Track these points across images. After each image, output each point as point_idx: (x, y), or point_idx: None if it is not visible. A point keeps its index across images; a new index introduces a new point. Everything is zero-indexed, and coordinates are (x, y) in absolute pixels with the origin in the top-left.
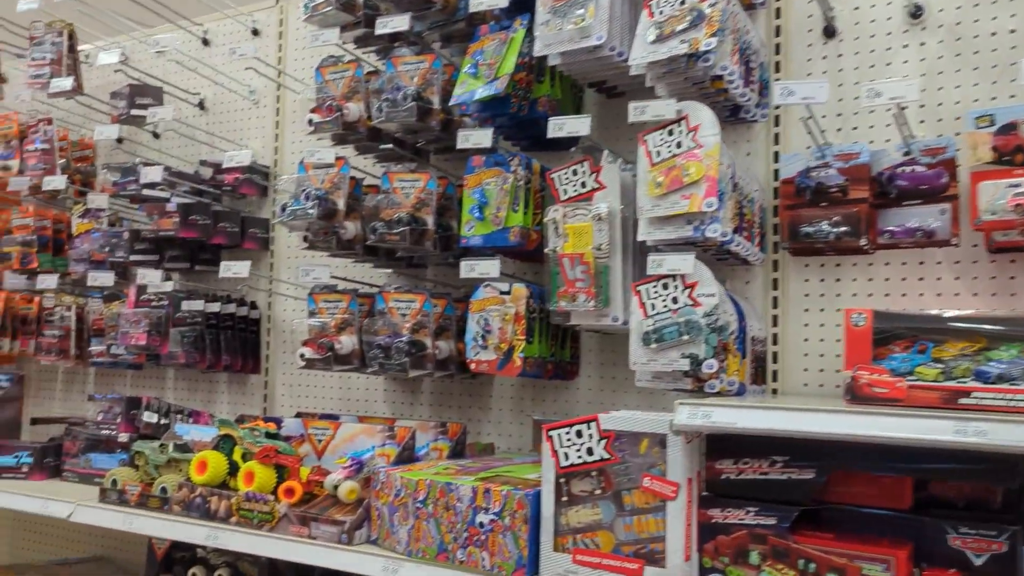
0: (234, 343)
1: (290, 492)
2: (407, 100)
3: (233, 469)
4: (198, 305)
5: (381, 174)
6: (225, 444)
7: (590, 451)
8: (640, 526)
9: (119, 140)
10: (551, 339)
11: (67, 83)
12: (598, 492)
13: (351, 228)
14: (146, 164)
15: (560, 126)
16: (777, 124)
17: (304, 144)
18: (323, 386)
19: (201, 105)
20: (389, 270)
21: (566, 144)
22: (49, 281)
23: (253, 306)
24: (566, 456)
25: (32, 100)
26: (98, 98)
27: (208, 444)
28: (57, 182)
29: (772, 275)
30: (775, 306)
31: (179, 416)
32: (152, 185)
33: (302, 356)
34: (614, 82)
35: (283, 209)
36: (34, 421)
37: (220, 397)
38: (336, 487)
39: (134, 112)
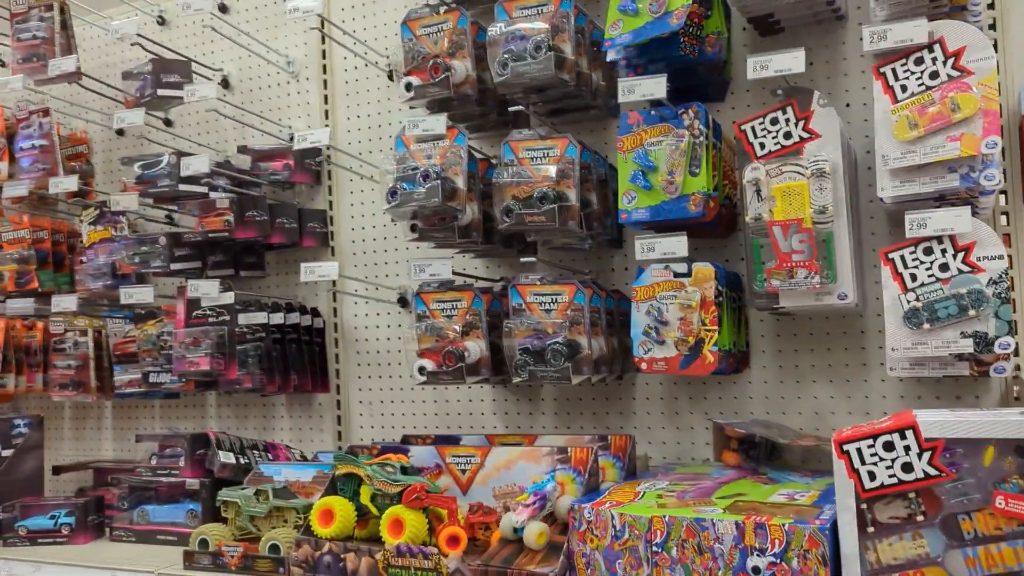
0: (300, 359)
1: (454, 541)
2: (541, 50)
3: (360, 515)
4: (260, 317)
5: (502, 143)
6: (346, 485)
7: (907, 467)
8: (991, 559)
9: (120, 132)
10: (732, 326)
11: (70, 63)
12: (919, 518)
13: (469, 211)
14: (181, 154)
15: (764, 64)
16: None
17: (365, 120)
18: (408, 401)
19: (225, 83)
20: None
21: (718, 95)
22: (66, 303)
23: (315, 314)
24: (871, 476)
25: (23, 88)
26: (107, 81)
27: (311, 486)
28: (67, 184)
29: None
30: None
31: (255, 452)
32: (192, 179)
33: (422, 369)
34: (783, 15)
35: (392, 194)
36: (57, 470)
37: (278, 424)
38: (518, 529)
39: (162, 92)
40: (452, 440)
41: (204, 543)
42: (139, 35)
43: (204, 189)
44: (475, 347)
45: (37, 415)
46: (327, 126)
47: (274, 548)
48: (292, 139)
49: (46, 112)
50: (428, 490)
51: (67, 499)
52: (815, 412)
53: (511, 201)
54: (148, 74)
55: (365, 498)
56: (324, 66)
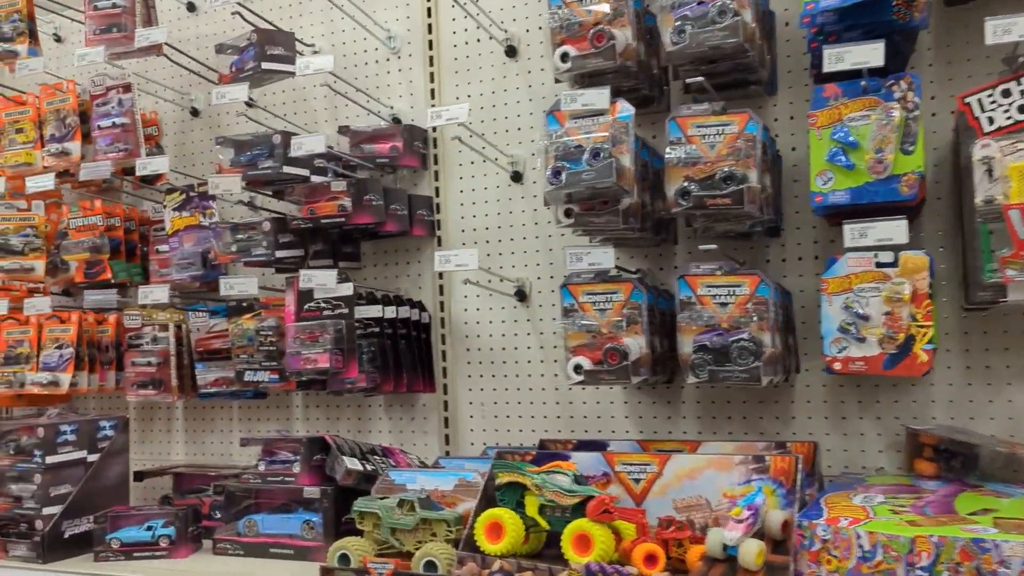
0: (411, 356)
1: (652, 560)
2: (726, 15)
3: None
4: (373, 311)
5: (667, 120)
6: (507, 495)
7: None
8: None
9: (195, 112)
10: None
11: (159, 34)
12: None
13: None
14: (284, 133)
15: (1006, 28)
16: None
17: (476, 100)
18: (525, 403)
19: None
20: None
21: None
22: (156, 294)
23: (420, 308)
24: None
25: (104, 62)
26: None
27: (453, 496)
28: (156, 165)
29: None
30: None
31: (376, 458)
32: (298, 162)
33: (578, 368)
34: None
35: (555, 174)
36: (139, 476)
37: (375, 426)
38: (729, 547)
39: (268, 66)
40: (598, 446)
41: (345, 559)
42: (238, 3)
43: (306, 172)
44: (635, 344)
45: (123, 416)
46: (433, 106)
47: (430, 565)
48: (397, 120)
49: (127, 88)
50: (616, 502)
51: (163, 508)
52: (1009, 417)
53: (686, 182)
54: (251, 46)
55: (532, 510)
56: (430, 42)
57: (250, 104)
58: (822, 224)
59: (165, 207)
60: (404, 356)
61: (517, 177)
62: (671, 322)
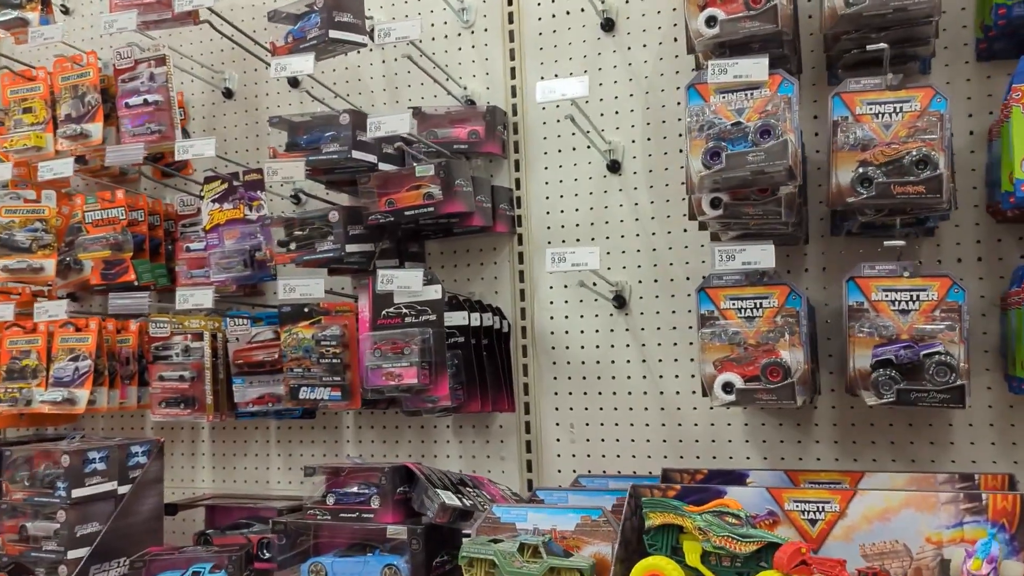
0: (495, 370)
1: None
2: None
3: None
4: (457, 318)
5: (830, 96)
6: (659, 539)
7: None
8: None
9: (228, 94)
10: None
11: None
12: None
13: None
14: (353, 112)
15: None
16: None
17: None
18: (625, 425)
19: (373, 34)
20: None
21: None
22: (197, 298)
23: (500, 315)
24: None
25: (136, 30)
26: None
27: (576, 538)
28: (201, 147)
29: None
30: None
31: (469, 490)
32: (366, 147)
33: (727, 387)
34: None
35: (713, 156)
36: (171, 509)
37: (441, 450)
38: None
39: (337, 35)
40: (735, 477)
41: None
42: None
43: (373, 159)
44: (792, 358)
45: (156, 441)
46: (513, 86)
47: None
48: (471, 101)
49: (160, 61)
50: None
51: (208, 550)
52: None
53: (862, 168)
54: (314, 12)
55: (693, 558)
56: (510, 14)
57: (295, 84)
58: (987, 222)
59: (202, 198)
60: (486, 370)
61: (615, 167)
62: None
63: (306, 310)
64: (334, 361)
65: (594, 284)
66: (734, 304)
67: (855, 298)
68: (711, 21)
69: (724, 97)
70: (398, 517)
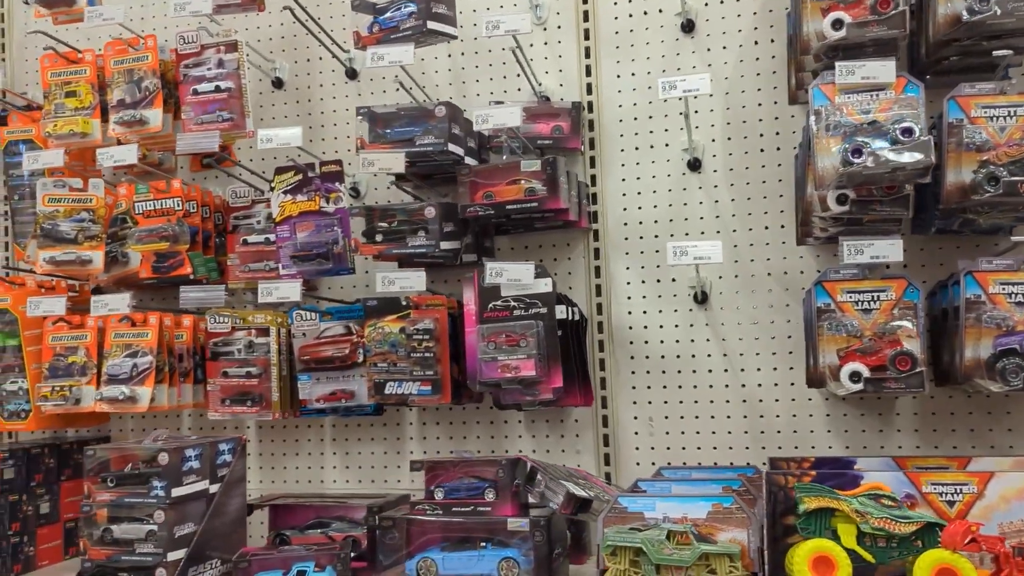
0: (576, 363)
1: None
2: None
3: None
4: (560, 312)
5: (946, 99)
6: (813, 523)
7: None
8: None
9: (278, 83)
10: None
11: None
12: None
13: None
14: (448, 105)
15: None
16: None
17: (643, 79)
18: (705, 418)
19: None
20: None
21: None
22: (283, 291)
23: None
24: None
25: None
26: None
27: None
28: (287, 136)
29: None
30: None
31: (582, 482)
32: (458, 140)
33: (855, 376)
34: None
35: (855, 152)
36: (247, 509)
37: (512, 445)
38: None
39: (434, 26)
40: (842, 463)
41: None
42: None
43: (460, 152)
44: (915, 347)
45: (240, 438)
46: (588, 83)
47: None
48: (546, 98)
49: (232, 47)
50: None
51: (309, 549)
52: None
53: (984, 168)
54: (407, 1)
55: (849, 540)
56: (585, 12)
57: (353, 75)
58: None
59: (273, 190)
60: (574, 363)
61: (695, 165)
62: None
63: (404, 302)
64: (426, 355)
65: (673, 280)
66: (851, 297)
67: (973, 290)
68: (837, 24)
69: (849, 97)
70: (514, 510)
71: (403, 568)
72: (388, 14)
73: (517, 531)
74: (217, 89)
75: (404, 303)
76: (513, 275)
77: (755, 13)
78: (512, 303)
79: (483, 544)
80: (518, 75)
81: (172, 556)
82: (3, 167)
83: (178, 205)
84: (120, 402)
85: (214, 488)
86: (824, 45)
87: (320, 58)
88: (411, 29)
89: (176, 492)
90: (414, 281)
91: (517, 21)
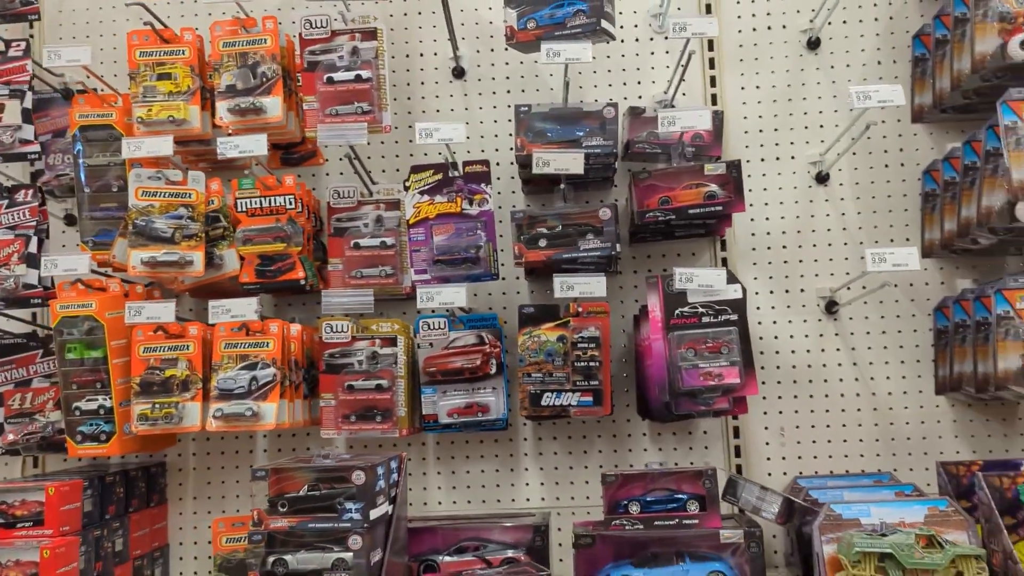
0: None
1: None
2: None
3: None
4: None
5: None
6: None
7: None
8: None
9: None
10: None
11: None
12: None
13: None
14: (614, 105)
15: None
16: None
17: (767, 92)
18: (836, 426)
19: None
20: None
21: None
22: (448, 296)
23: None
24: None
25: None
26: None
27: (932, 527)
28: (449, 132)
29: None
30: None
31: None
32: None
33: None
34: None
35: None
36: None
37: (637, 458)
38: None
39: (607, 26)
40: (1010, 466)
41: None
42: None
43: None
44: None
45: (400, 455)
46: (713, 94)
47: None
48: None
49: (371, 35)
50: None
51: (505, 572)
52: None
53: None
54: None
55: None
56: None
57: (459, 74)
58: None
59: (407, 189)
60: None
61: (822, 178)
62: None
63: (580, 310)
64: (591, 364)
65: (801, 291)
66: None
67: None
68: None
69: None
70: (718, 522)
71: None
72: (547, 11)
73: (730, 543)
74: (358, 79)
75: (580, 310)
76: (704, 281)
77: (878, 34)
78: (700, 309)
79: (680, 558)
80: (638, 82)
81: None
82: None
83: (290, 203)
84: (245, 419)
85: (382, 509)
86: (1002, 66)
87: (420, 54)
88: (580, 27)
89: (372, 514)
90: (594, 286)
91: (705, 25)
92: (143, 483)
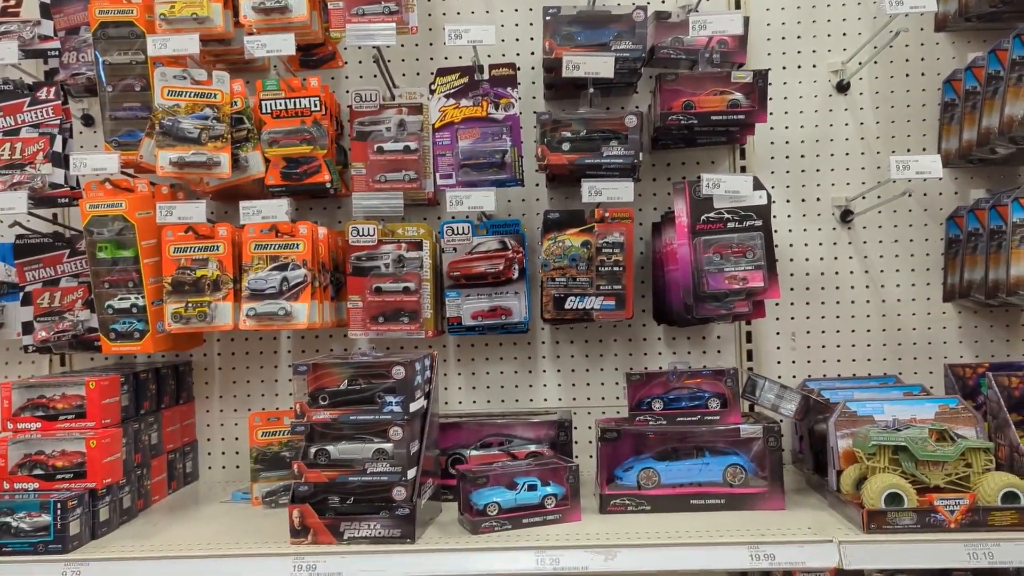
0: None
1: None
2: None
3: None
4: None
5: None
6: None
7: None
8: None
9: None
10: None
11: None
12: None
13: None
14: (640, 8)
15: None
16: None
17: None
18: (846, 332)
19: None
20: None
21: None
22: (477, 200)
23: None
24: None
25: None
26: None
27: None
28: (479, 33)
29: None
30: None
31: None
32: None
33: None
34: None
35: None
36: None
37: (652, 362)
38: None
39: None
40: (1014, 367)
41: (896, 498)
42: None
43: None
44: None
45: (431, 354)
46: (737, 0)
47: (1012, 496)
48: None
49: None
50: None
51: (529, 464)
52: None
53: None
54: None
55: None
56: None
57: None
58: None
59: (433, 93)
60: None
61: (843, 87)
62: None
63: (606, 215)
64: (615, 269)
65: (817, 200)
66: None
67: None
68: None
69: None
70: (737, 418)
71: (624, 477)
72: None
73: (750, 438)
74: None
75: (607, 216)
76: (731, 187)
77: None
78: (726, 215)
79: (701, 453)
80: None
81: (411, 474)
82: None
83: (315, 105)
84: (278, 318)
85: (416, 407)
86: None
87: None
88: None
89: (412, 407)
90: (622, 192)
91: None
92: (172, 381)
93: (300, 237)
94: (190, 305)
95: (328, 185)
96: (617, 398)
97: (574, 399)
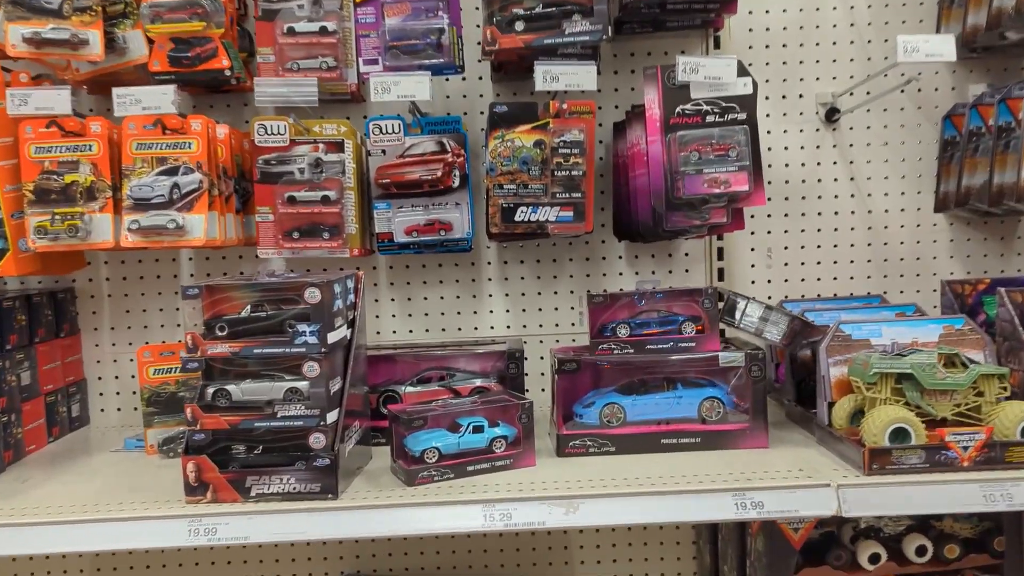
0: None
1: None
2: None
3: None
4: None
5: None
6: None
7: None
8: None
9: None
10: None
11: None
12: None
13: None
14: None
15: None
16: None
17: None
18: (828, 247)
19: None
20: None
21: None
22: (408, 87)
23: None
24: None
25: None
26: None
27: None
28: None
29: None
30: None
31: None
32: None
33: None
34: None
35: None
36: None
37: (612, 283)
38: None
39: None
40: (1018, 283)
41: (902, 433)
42: None
43: None
44: None
45: (357, 274)
46: None
47: None
48: None
49: None
50: None
51: (475, 403)
52: None
53: None
54: None
55: None
56: None
57: None
58: None
59: None
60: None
61: None
62: None
63: (563, 108)
64: (573, 173)
65: (800, 96)
66: None
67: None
68: None
69: None
70: (716, 346)
71: (582, 414)
72: None
73: (729, 367)
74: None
75: (564, 107)
76: (711, 72)
77: None
78: (704, 107)
79: (672, 385)
80: None
81: (331, 418)
82: None
83: None
84: (168, 232)
85: (349, 334)
86: None
87: None
88: None
89: (331, 338)
90: (583, 77)
91: None
92: (49, 311)
93: (193, 135)
94: (57, 218)
95: (228, 72)
96: (573, 324)
97: (525, 326)
